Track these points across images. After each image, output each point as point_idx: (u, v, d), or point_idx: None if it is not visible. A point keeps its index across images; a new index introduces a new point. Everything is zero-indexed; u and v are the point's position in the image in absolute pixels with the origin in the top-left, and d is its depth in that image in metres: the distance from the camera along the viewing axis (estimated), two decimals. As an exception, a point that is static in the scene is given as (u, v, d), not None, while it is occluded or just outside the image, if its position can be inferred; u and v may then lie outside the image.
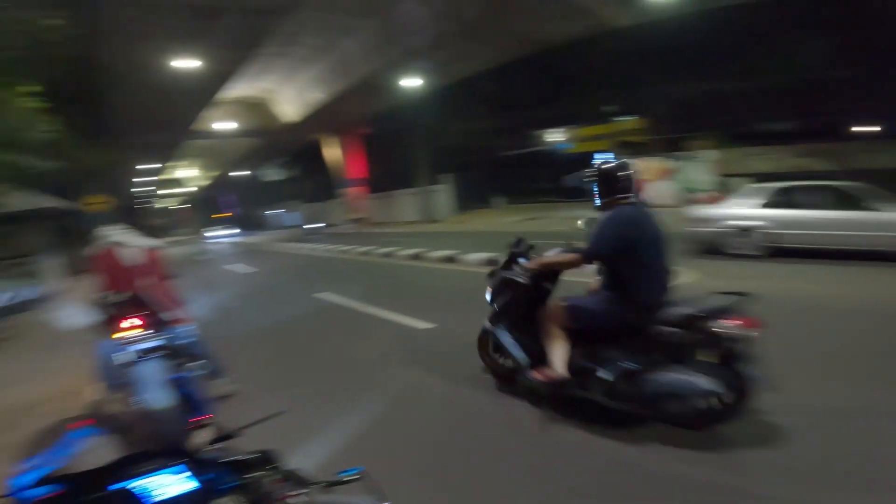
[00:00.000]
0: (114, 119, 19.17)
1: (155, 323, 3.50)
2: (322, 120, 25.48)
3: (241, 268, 14.04)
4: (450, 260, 9.91)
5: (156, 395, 3.41)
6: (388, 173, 29.52)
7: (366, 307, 6.64)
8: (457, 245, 11.05)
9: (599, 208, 2.72)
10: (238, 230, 34.09)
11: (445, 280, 8.42)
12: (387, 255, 12.06)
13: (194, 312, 4.01)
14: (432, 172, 23.77)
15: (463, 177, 25.05)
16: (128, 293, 3.46)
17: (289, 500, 0.80)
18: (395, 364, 4.24)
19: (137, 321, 3.42)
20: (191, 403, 1.13)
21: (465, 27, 14.49)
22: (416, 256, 11.01)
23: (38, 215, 10.34)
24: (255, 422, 1.04)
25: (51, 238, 11.41)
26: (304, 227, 27.43)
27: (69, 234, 15.69)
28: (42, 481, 0.78)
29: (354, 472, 0.88)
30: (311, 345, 5.40)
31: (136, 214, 3.88)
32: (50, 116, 6.99)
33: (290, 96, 25.30)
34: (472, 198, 25.46)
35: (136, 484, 0.75)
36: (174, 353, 3.52)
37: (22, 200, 9.01)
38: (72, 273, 13.54)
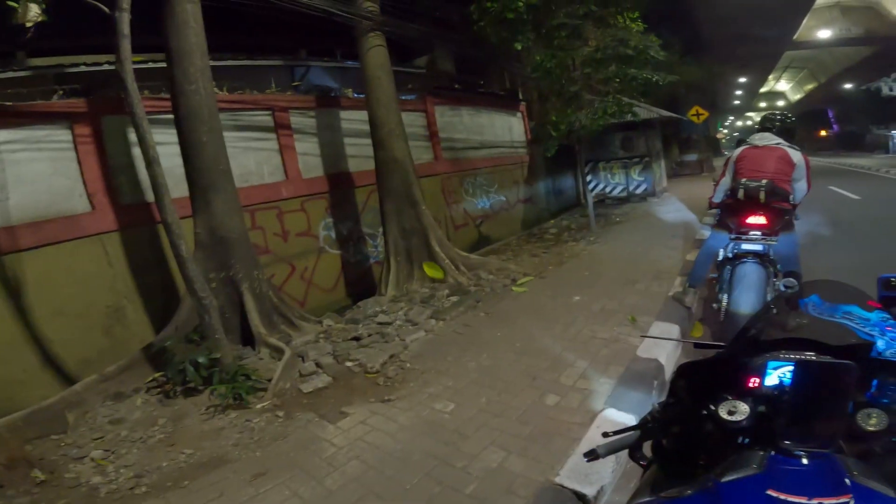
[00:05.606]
0: (704, 36, 19.32)
1: (776, 224, 3.16)
2: None
3: (844, 192, 11.20)
4: None
5: (745, 297, 3.07)
6: None
7: None
8: None
9: None
10: None
11: None
12: None
13: (800, 227, 3.63)
14: None
15: None
16: (762, 183, 3.28)
17: None
18: None
19: (762, 219, 3.17)
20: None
21: None
22: None
23: (651, 124, 12.07)
24: None
25: (658, 143, 13.15)
26: None
27: (673, 140, 17.74)
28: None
29: None
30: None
31: (773, 122, 3.73)
32: (648, 35, 7.57)
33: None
34: None
35: (754, 364, 0.83)
36: (769, 263, 3.07)
37: (642, 111, 10.73)
38: (672, 174, 15.33)
